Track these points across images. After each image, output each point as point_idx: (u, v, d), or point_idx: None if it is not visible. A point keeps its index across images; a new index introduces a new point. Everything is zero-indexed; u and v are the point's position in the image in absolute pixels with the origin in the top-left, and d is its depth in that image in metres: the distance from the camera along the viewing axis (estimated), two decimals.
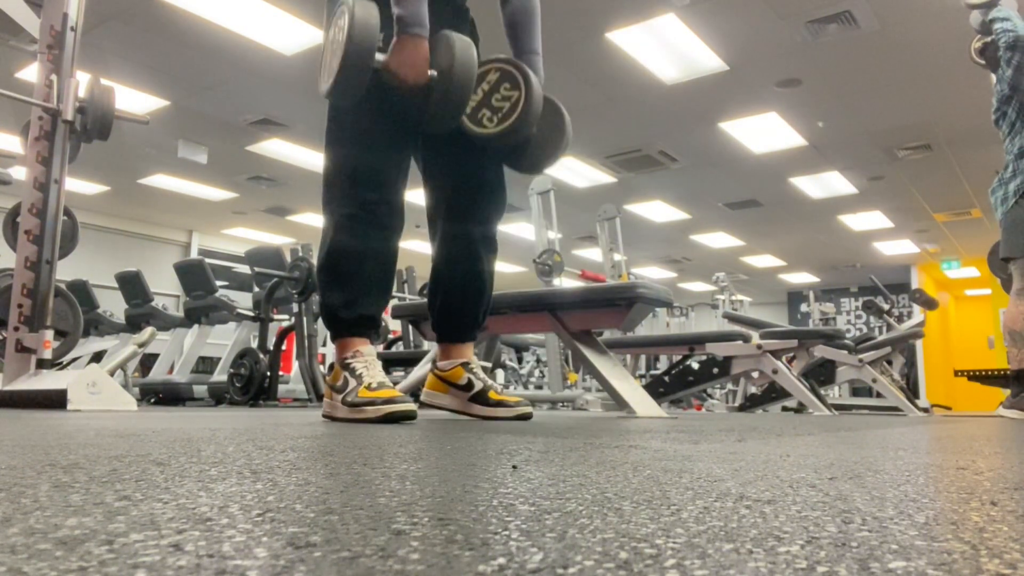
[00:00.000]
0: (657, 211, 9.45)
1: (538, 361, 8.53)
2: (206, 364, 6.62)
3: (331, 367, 1.80)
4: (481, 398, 1.85)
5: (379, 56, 1.60)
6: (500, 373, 6.12)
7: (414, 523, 0.39)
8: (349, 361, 1.72)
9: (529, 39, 1.92)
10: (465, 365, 1.90)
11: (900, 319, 8.21)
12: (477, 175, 1.90)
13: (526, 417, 1.83)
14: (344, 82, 1.57)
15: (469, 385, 1.87)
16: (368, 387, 1.65)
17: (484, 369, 1.97)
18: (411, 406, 1.62)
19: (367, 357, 1.73)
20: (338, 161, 1.77)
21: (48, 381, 2.42)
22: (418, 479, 0.58)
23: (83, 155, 2.81)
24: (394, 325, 6.31)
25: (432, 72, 1.64)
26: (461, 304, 1.94)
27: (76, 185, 8.47)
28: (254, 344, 5.07)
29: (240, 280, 5.97)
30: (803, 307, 9.52)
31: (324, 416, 1.76)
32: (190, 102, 6.35)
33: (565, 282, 5.92)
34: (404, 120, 1.75)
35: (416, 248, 8.91)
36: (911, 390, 7.18)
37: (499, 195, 1.95)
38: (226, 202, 9.35)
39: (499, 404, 1.84)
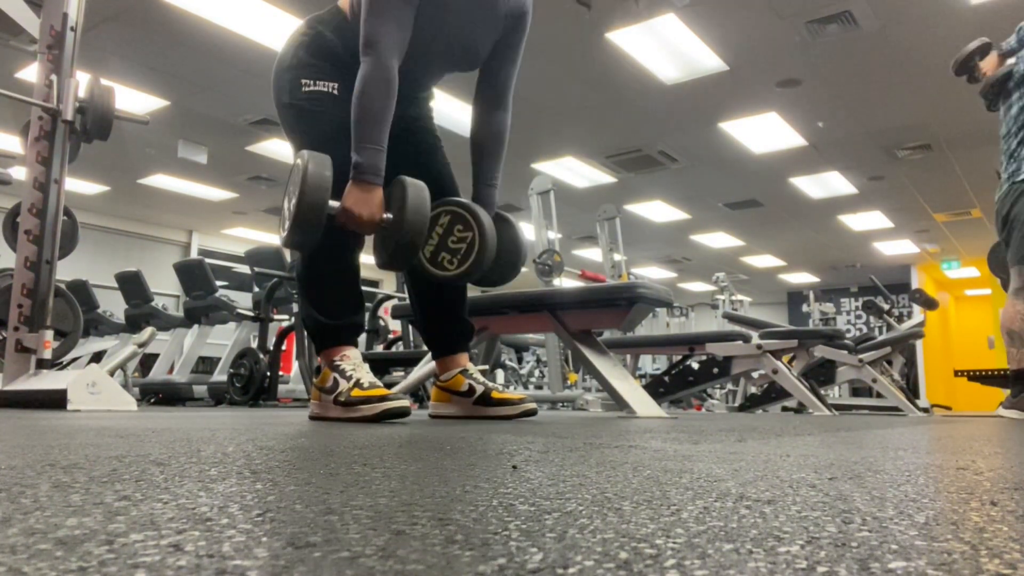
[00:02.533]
0: (657, 211, 9.45)
1: (538, 361, 8.53)
2: (206, 364, 6.62)
3: (317, 369, 1.82)
4: (484, 400, 1.89)
5: (333, 203, 1.62)
6: (500, 373, 6.12)
7: (414, 523, 0.39)
8: (338, 363, 1.74)
9: (491, 169, 1.94)
10: (464, 372, 1.94)
11: (900, 319, 8.21)
12: (436, 177, 1.92)
13: (531, 413, 1.86)
14: (299, 233, 1.59)
15: (471, 390, 1.91)
16: (361, 387, 1.67)
17: (483, 372, 2.00)
18: (405, 403, 1.65)
19: (354, 360, 1.76)
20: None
21: (48, 381, 2.42)
22: (418, 479, 0.58)
23: (83, 155, 2.81)
24: (394, 325, 6.31)
25: (387, 215, 1.66)
26: (447, 311, 1.98)
27: (76, 185, 8.47)
28: (254, 344, 5.06)
29: (240, 280, 5.96)
30: (804, 307, 9.51)
31: (312, 417, 1.78)
32: (190, 102, 6.35)
33: (565, 282, 5.92)
34: None
35: None
36: (911, 390, 7.18)
37: (454, 190, 1.99)
38: (226, 202, 9.35)
39: (503, 403, 1.87)
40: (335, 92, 1.75)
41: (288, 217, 1.62)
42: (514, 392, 2.10)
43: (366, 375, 1.72)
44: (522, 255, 1.94)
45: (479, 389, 1.90)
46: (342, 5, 1.84)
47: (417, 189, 1.67)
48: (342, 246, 1.78)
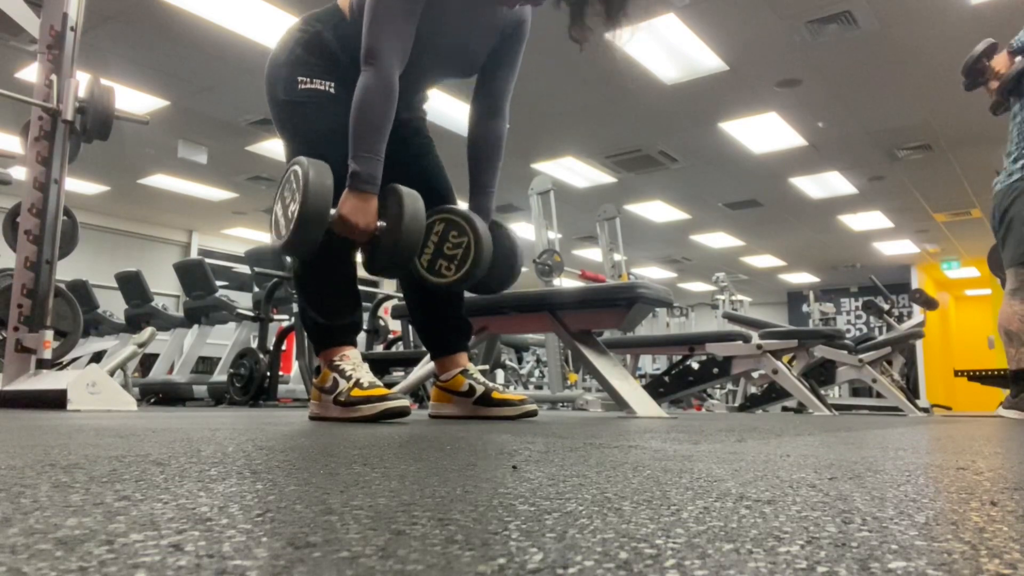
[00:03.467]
0: (657, 211, 9.45)
1: (538, 361, 8.53)
2: (206, 364, 6.61)
3: (317, 369, 1.82)
4: (485, 400, 1.88)
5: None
6: (500, 373, 6.12)
7: (414, 523, 0.39)
8: (337, 363, 1.74)
9: (488, 175, 1.94)
10: (464, 372, 1.94)
11: (900, 319, 8.21)
12: (428, 178, 1.94)
13: (531, 414, 1.86)
14: (300, 242, 1.59)
15: (471, 391, 1.90)
16: (360, 386, 1.68)
17: (483, 372, 1.99)
18: (404, 403, 1.65)
19: (354, 360, 1.76)
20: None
21: (48, 381, 2.42)
22: (418, 479, 0.58)
23: (83, 155, 2.81)
24: (394, 325, 6.31)
25: (380, 223, 1.66)
26: (442, 310, 1.97)
27: (76, 185, 8.47)
28: (254, 344, 5.06)
29: (240, 280, 5.96)
30: (804, 307, 9.52)
31: (312, 417, 1.78)
32: (190, 102, 6.35)
33: (565, 282, 5.92)
34: None
35: None
36: (911, 390, 7.17)
37: (448, 188, 2.01)
38: (226, 202, 9.35)
39: (503, 403, 1.86)
40: (331, 91, 1.75)
41: (287, 223, 1.60)
42: (514, 392, 2.10)
43: (366, 375, 1.72)
44: (518, 262, 1.94)
45: (479, 389, 1.89)
46: (341, 4, 1.83)
47: (412, 199, 1.67)
48: (338, 248, 1.78)
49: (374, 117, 1.63)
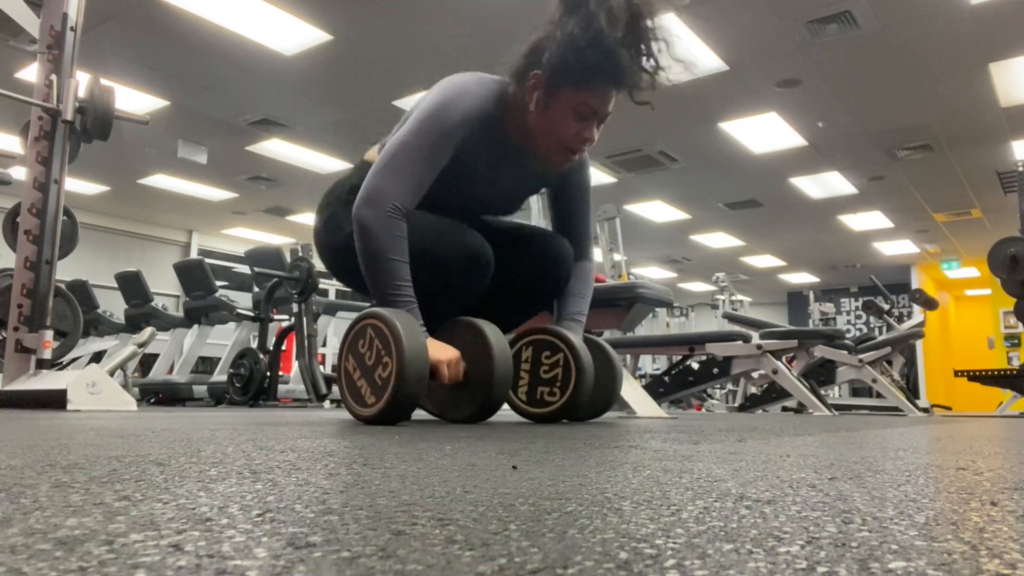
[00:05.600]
0: (657, 211, 9.45)
1: None
2: (206, 364, 6.61)
3: None
4: None
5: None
6: None
7: (414, 523, 0.39)
8: None
9: (578, 305, 1.86)
10: None
11: (900, 319, 8.21)
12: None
13: None
14: (393, 412, 1.42)
15: None
16: None
17: None
18: None
19: None
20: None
21: (48, 381, 2.42)
22: (418, 479, 0.58)
23: (83, 155, 2.81)
24: None
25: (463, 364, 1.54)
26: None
27: (76, 185, 8.47)
28: (254, 344, 5.06)
29: (240, 280, 5.96)
30: (809, 307, 9.53)
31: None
32: (190, 102, 6.35)
33: None
34: None
35: None
36: (911, 390, 7.18)
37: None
38: (226, 202, 9.35)
39: None
40: None
41: (374, 388, 1.44)
42: None
43: None
44: (617, 380, 1.81)
45: None
46: (368, 157, 1.78)
47: (491, 328, 1.53)
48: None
49: (382, 252, 1.50)
